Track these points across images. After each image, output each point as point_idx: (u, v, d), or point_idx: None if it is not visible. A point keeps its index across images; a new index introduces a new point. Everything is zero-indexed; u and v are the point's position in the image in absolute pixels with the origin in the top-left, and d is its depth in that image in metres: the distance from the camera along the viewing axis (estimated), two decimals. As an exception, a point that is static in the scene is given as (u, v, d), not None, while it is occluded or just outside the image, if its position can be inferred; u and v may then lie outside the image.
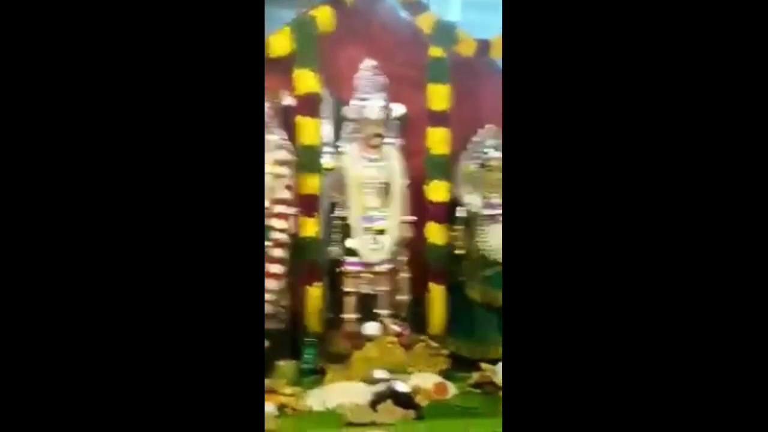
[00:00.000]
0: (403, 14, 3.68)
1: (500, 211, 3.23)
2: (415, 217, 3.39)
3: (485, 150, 3.48)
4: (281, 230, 3.23)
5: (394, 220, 3.32)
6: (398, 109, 3.45)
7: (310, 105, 3.42)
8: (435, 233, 3.46)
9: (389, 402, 2.63)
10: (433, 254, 3.46)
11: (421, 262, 3.46)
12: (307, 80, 3.40)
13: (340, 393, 2.73)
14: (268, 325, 3.17)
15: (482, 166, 3.48)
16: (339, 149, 3.45)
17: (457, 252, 3.44)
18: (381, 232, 3.31)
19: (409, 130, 3.52)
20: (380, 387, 2.71)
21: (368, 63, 3.40)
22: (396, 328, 3.23)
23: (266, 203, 3.22)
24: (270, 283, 3.19)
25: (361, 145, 3.35)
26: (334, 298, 3.37)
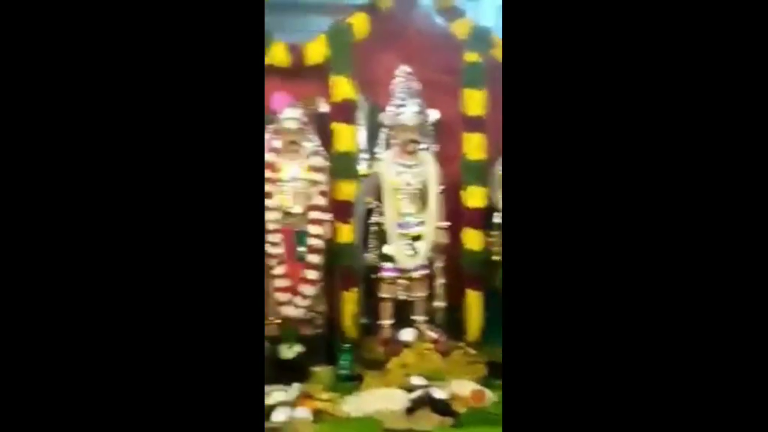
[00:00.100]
0: (438, 20, 3.67)
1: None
2: (449, 223, 3.36)
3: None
4: (316, 236, 3.24)
5: (430, 226, 3.30)
6: (434, 115, 3.44)
7: (345, 111, 3.44)
8: (472, 239, 3.44)
9: (426, 409, 2.62)
10: (469, 260, 3.43)
11: (458, 268, 3.45)
12: (343, 87, 3.42)
13: (377, 399, 2.71)
14: (304, 330, 3.19)
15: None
16: (375, 155, 3.46)
17: (494, 258, 3.40)
18: (417, 238, 3.30)
19: (445, 135, 3.51)
20: (417, 394, 2.70)
21: (404, 69, 3.40)
22: (432, 334, 3.22)
23: (300, 209, 3.25)
24: (306, 289, 3.21)
25: (396, 151, 3.34)
26: (370, 304, 3.37)
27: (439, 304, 3.37)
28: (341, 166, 3.41)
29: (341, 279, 3.37)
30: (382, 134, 3.43)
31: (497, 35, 3.61)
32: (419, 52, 3.60)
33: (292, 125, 3.26)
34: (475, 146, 3.48)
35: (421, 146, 3.37)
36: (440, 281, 3.37)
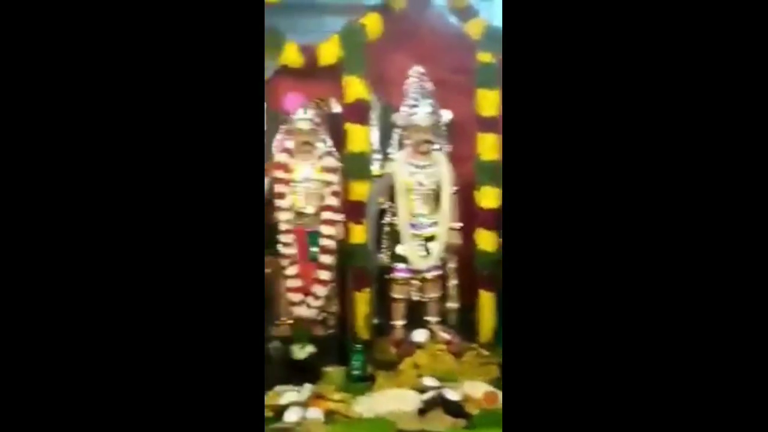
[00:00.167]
0: (452, 20, 3.66)
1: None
2: (462, 224, 3.35)
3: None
4: (329, 236, 3.24)
5: (443, 226, 3.29)
6: (447, 115, 3.43)
7: (358, 112, 3.43)
8: (485, 240, 3.42)
9: (439, 410, 2.60)
10: (482, 261, 3.41)
11: (471, 269, 3.43)
12: (355, 87, 3.42)
13: (390, 400, 2.70)
14: (316, 331, 3.19)
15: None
16: (388, 156, 3.45)
17: (507, 259, 3.38)
18: (430, 238, 3.29)
19: (458, 136, 3.50)
20: (430, 395, 2.68)
21: (417, 69, 3.39)
22: (445, 335, 3.20)
23: (313, 210, 3.25)
24: (318, 289, 3.21)
25: (409, 152, 3.33)
26: (383, 305, 3.36)
27: (452, 305, 3.36)
28: (354, 166, 3.41)
29: (354, 279, 3.36)
30: (395, 135, 3.42)
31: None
32: (432, 52, 3.59)
33: (304, 126, 3.26)
34: (489, 147, 3.46)
35: (434, 147, 3.35)
36: (453, 282, 3.36)
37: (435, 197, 3.32)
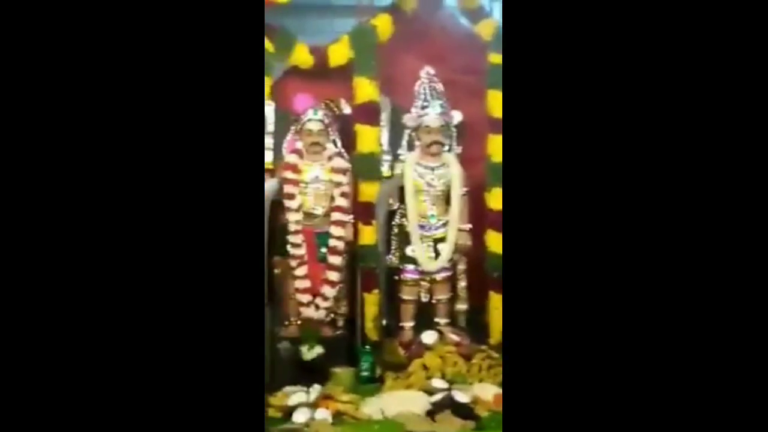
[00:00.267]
0: (463, 21, 3.64)
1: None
2: (471, 225, 3.32)
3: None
4: (338, 237, 3.23)
5: (453, 228, 3.27)
6: (457, 117, 3.41)
7: (369, 113, 3.42)
8: (495, 241, 3.39)
9: (448, 412, 2.58)
10: (493, 263, 3.38)
11: (481, 270, 3.40)
12: (366, 88, 3.41)
13: (399, 402, 2.69)
14: (325, 332, 3.18)
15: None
16: (398, 157, 3.43)
17: (517, 261, 3.36)
18: (440, 240, 3.27)
19: (469, 137, 3.47)
20: (439, 397, 2.67)
21: (427, 70, 3.37)
22: (454, 337, 3.18)
23: (322, 210, 3.24)
24: (327, 290, 3.19)
25: (420, 153, 3.32)
26: (392, 306, 3.34)
27: (462, 306, 3.34)
28: (364, 167, 3.40)
29: (363, 280, 3.35)
30: (406, 136, 3.40)
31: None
32: (443, 53, 3.58)
33: (314, 127, 3.25)
34: (500, 148, 3.42)
35: (445, 148, 3.34)
36: (463, 284, 3.34)
37: (445, 198, 3.30)
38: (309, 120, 3.25)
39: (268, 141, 3.36)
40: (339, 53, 3.45)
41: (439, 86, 3.35)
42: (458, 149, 3.42)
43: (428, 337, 3.15)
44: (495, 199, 3.41)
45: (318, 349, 3.05)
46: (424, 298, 3.29)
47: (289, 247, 3.19)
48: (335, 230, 3.23)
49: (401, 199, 3.30)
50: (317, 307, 3.19)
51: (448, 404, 2.61)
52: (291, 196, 3.21)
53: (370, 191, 3.38)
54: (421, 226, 3.26)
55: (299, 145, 3.29)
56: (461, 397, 2.67)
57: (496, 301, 3.36)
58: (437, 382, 2.80)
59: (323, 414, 2.57)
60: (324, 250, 3.22)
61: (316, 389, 2.73)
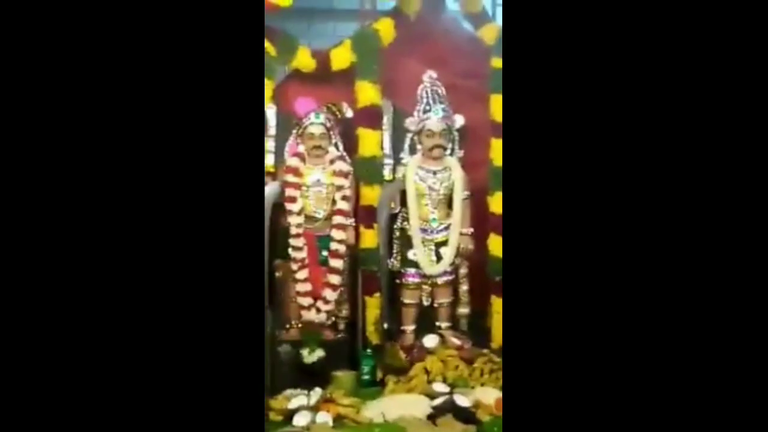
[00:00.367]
0: (466, 25, 3.65)
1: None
2: (473, 229, 3.32)
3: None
4: (340, 241, 3.22)
5: (454, 231, 3.26)
6: (459, 121, 3.41)
7: (371, 117, 3.43)
8: (497, 245, 3.38)
9: (449, 416, 2.58)
10: (495, 267, 3.38)
11: (483, 274, 3.40)
12: (368, 92, 3.41)
13: (400, 405, 2.68)
14: (326, 335, 3.17)
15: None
16: (400, 160, 3.43)
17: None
18: (441, 243, 3.26)
19: (472, 141, 3.47)
20: (440, 400, 2.66)
21: (430, 74, 3.37)
22: (456, 341, 3.17)
23: (324, 214, 3.24)
24: (328, 294, 3.19)
25: (422, 157, 3.31)
26: (393, 310, 3.34)
27: (464, 310, 3.33)
28: (366, 171, 3.40)
29: (364, 284, 3.34)
30: (408, 139, 3.40)
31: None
32: (446, 57, 3.58)
33: (316, 130, 3.25)
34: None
35: (447, 151, 3.34)
36: (465, 287, 3.33)
37: (447, 202, 3.30)
38: (311, 123, 3.25)
39: (270, 144, 3.37)
40: (341, 57, 3.46)
41: (442, 90, 3.35)
42: (460, 153, 3.41)
43: (430, 340, 3.14)
44: (497, 203, 3.41)
45: (319, 353, 3.04)
46: (426, 302, 3.29)
47: (290, 250, 3.19)
48: (336, 233, 3.23)
49: (403, 203, 3.30)
50: (318, 310, 3.19)
51: (450, 408, 2.61)
52: (292, 200, 3.21)
53: (371, 195, 3.38)
54: (423, 230, 3.26)
55: (301, 148, 3.29)
56: (462, 401, 2.66)
57: (497, 305, 3.36)
58: (438, 386, 2.80)
59: (324, 417, 2.57)
60: (325, 253, 3.22)
61: (316, 392, 2.72)
